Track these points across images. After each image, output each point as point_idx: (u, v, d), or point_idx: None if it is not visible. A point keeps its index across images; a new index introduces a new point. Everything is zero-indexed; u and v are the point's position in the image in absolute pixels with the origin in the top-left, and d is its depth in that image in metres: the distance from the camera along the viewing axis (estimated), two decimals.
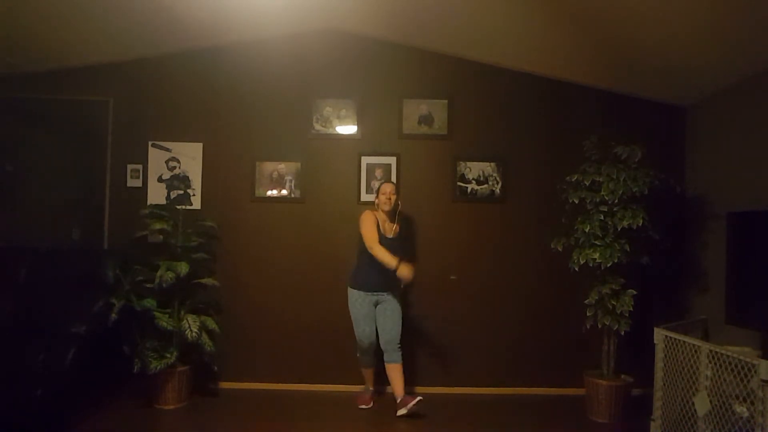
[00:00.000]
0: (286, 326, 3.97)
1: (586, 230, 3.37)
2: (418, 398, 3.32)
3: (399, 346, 3.45)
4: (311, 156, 4.02)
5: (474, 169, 4.01)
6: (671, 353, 2.90)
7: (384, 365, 3.47)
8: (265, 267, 3.99)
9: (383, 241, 3.39)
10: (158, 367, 3.30)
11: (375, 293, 3.45)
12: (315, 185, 4.02)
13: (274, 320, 3.97)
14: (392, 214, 3.52)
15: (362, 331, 3.45)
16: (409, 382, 3.73)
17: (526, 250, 3.98)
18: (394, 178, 3.98)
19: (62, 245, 3.85)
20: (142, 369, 3.29)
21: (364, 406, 3.54)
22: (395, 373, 3.43)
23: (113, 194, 3.99)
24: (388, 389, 3.62)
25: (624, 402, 3.39)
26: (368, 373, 3.64)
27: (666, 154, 3.91)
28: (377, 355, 3.53)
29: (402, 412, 3.31)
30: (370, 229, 3.36)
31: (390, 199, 3.45)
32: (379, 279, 3.40)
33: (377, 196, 3.53)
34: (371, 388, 3.67)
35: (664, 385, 2.94)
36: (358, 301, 3.44)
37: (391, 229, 3.51)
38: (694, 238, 3.80)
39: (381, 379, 3.61)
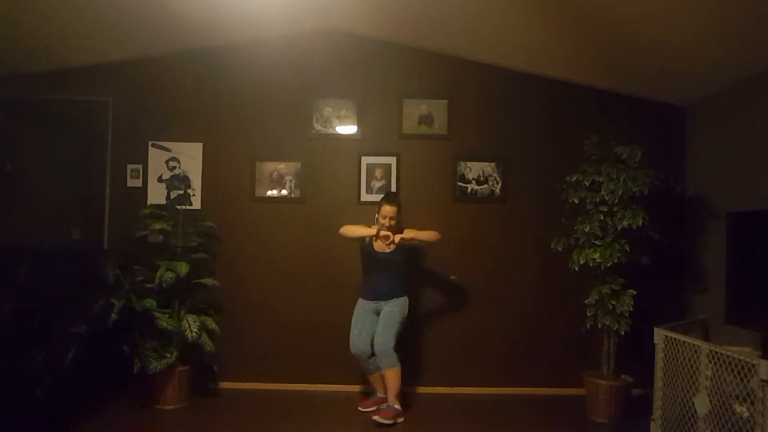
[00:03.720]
0: (286, 326, 3.97)
1: (586, 230, 3.37)
2: (389, 423, 3.18)
3: (388, 352, 3.26)
4: (311, 156, 4.02)
5: (474, 169, 4.01)
6: (671, 353, 2.90)
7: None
8: (265, 267, 3.99)
9: (375, 256, 3.42)
10: (158, 367, 3.30)
11: (375, 302, 3.44)
12: (315, 185, 4.01)
13: (274, 320, 3.97)
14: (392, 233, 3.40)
15: (351, 335, 3.41)
16: (410, 382, 3.74)
17: (526, 250, 3.98)
18: (394, 178, 3.98)
19: (62, 245, 3.85)
20: (142, 369, 3.29)
21: (361, 408, 3.47)
22: (383, 379, 3.34)
23: (113, 194, 3.99)
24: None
25: (624, 402, 3.39)
26: (372, 379, 3.51)
27: (666, 154, 3.91)
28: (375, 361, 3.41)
29: (375, 418, 3.21)
30: (356, 224, 3.46)
31: (390, 226, 3.36)
32: (377, 287, 3.43)
33: (377, 213, 3.42)
34: (380, 395, 3.49)
35: (664, 385, 2.94)
36: (357, 307, 3.48)
37: (386, 245, 3.39)
38: (694, 238, 3.80)
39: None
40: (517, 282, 3.98)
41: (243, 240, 3.99)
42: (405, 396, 3.58)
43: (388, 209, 3.37)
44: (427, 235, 3.44)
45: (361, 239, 3.48)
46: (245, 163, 4.01)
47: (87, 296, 3.29)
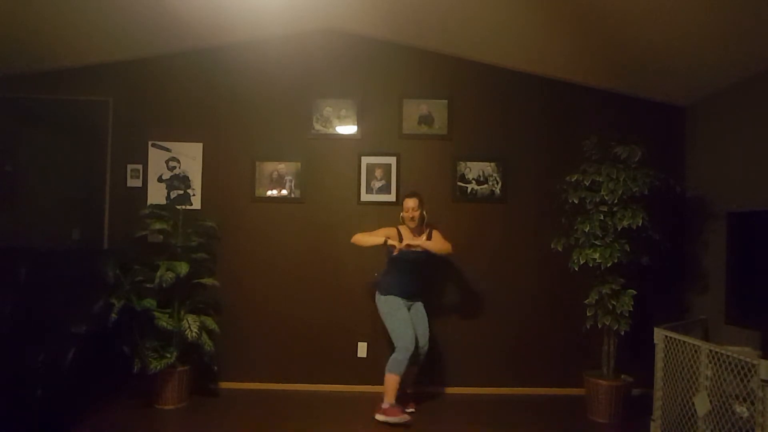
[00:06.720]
0: (286, 326, 3.97)
1: (586, 230, 3.37)
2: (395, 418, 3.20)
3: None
4: (311, 156, 4.02)
5: (474, 169, 4.01)
6: (671, 353, 2.90)
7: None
8: (265, 267, 3.99)
9: (404, 256, 3.35)
10: (158, 367, 3.30)
11: (410, 301, 3.46)
12: (315, 185, 4.02)
13: (274, 320, 3.97)
14: (419, 228, 3.49)
15: (411, 336, 3.27)
16: (410, 382, 3.73)
17: (526, 250, 3.98)
18: (394, 178, 3.98)
19: (62, 245, 3.85)
20: (142, 369, 3.29)
21: (385, 417, 3.20)
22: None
23: (113, 194, 3.99)
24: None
25: (624, 402, 3.39)
26: (398, 382, 3.25)
27: (666, 154, 3.91)
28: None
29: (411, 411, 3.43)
30: (377, 230, 3.45)
31: (413, 218, 3.42)
32: (410, 287, 3.44)
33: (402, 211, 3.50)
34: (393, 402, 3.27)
35: (664, 385, 2.94)
36: (397, 304, 3.38)
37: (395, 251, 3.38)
38: (694, 238, 3.80)
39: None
40: (517, 282, 3.98)
41: (243, 240, 3.99)
42: (405, 395, 3.58)
43: (408, 202, 3.45)
44: (436, 247, 3.39)
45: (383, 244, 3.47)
46: (245, 163, 4.01)
47: (87, 296, 3.29)
